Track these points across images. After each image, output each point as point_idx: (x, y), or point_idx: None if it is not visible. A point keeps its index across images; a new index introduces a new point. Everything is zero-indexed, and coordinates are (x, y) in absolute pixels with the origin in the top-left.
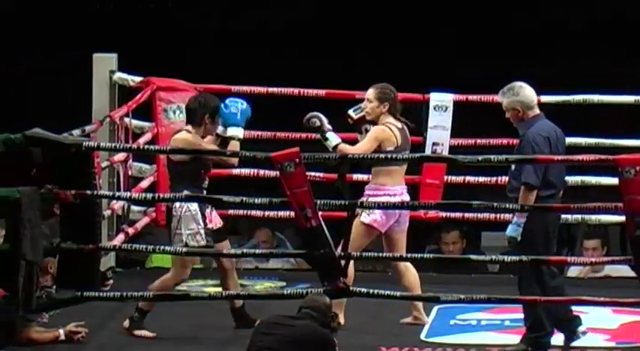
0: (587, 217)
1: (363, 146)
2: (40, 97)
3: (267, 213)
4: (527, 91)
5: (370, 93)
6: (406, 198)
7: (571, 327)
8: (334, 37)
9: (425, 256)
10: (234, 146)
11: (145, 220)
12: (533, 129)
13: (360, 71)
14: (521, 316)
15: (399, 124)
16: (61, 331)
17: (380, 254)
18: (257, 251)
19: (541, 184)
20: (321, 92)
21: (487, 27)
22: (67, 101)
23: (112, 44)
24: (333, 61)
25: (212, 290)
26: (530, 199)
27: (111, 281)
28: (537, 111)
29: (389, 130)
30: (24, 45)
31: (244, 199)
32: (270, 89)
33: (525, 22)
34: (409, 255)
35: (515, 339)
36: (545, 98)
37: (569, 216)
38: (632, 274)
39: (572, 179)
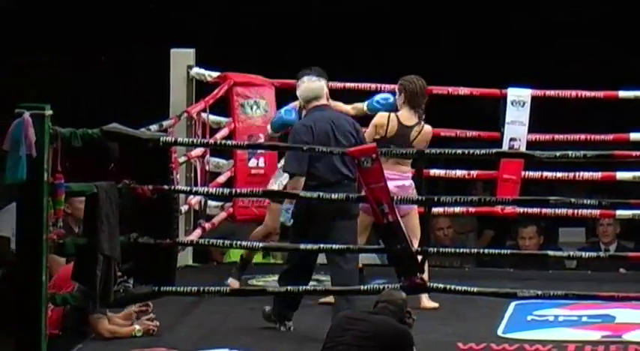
0: None
1: (367, 132)
2: (118, 92)
3: None
4: (306, 85)
5: None
6: (399, 183)
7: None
8: (334, 37)
9: (502, 251)
10: None
11: (222, 215)
12: (303, 119)
13: (359, 71)
14: (600, 312)
15: (408, 116)
16: (137, 326)
17: (457, 250)
18: (334, 246)
19: (310, 172)
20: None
21: (487, 27)
22: (145, 96)
23: (189, 39)
24: (333, 60)
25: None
26: (296, 187)
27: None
28: (317, 103)
29: (385, 119)
30: (102, 39)
31: (321, 194)
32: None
33: (525, 23)
34: (486, 250)
35: (593, 335)
36: (624, 93)
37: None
38: None
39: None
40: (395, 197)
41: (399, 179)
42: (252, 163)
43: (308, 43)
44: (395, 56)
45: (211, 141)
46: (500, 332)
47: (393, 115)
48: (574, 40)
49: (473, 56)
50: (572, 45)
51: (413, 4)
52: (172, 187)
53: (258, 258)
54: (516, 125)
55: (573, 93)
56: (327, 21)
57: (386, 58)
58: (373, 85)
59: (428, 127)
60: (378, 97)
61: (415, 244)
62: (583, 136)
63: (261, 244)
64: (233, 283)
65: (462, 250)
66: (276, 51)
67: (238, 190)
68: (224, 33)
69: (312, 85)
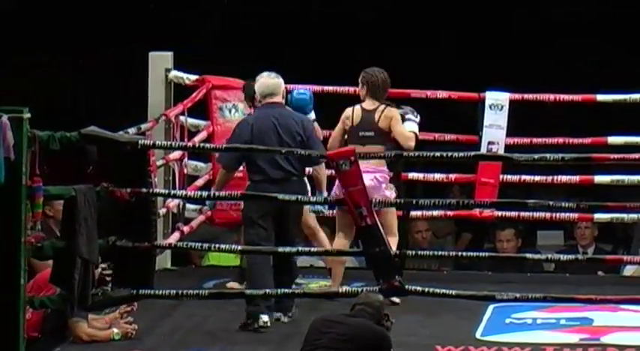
0: None
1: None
2: (95, 96)
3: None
4: (263, 80)
5: None
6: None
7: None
8: (335, 37)
9: (480, 254)
10: None
11: (201, 218)
12: (248, 115)
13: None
14: (578, 314)
15: (371, 107)
16: (115, 329)
17: (435, 253)
18: (312, 249)
19: (252, 168)
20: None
21: (487, 27)
22: (123, 99)
23: (167, 42)
24: (333, 60)
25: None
26: (224, 179)
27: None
28: (271, 100)
29: (350, 111)
30: (80, 43)
31: (300, 197)
32: (326, 88)
33: (525, 22)
34: (465, 253)
35: (571, 338)
36: (601, 97)
37: (624, 215)
38: None
39: (628, 178)
40: (373, 199)
41: (373, 172)
42: None
43: (308, 43)
44: (395, 56)
45: (190, 144)
46: (478, 335)
47: (357, 105)
48: (574, 40)
49: (473, 56)
50: (572, 45)
51: (413, 4)
52: (150, 190)
53: (235, 261)
54: (494, 129)
55: (551, 97)
56: (327, 21)
57: (386, 58)
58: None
59: (390, 109)
60: (294, 92)
61: (392, 242)
62: (561, 140)
63: (239, 247)
64: (234, 285)
65: (440, 253)
66: (275, 51)
67: (217, 194)
68: (224, 33)
69: (269, 81)
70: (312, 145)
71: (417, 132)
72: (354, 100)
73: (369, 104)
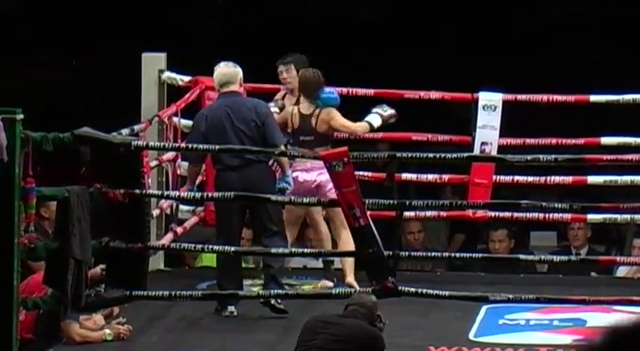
0: (636, 216)
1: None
2: (88, 97)
3: None
4: (219, 70)
5: None
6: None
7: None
8: (335, 37)
9: (474, 255)
10: None
11: (194, 219)
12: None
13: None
14: (571, 315)
15: (306, 111)
16: (107, 330)
17: (428, 254)
18: (306, 250)
19: (213, 159)
20: (370, 92)
21: (484, 27)
22: (116, 100)
23: (160, 43)
24: (334, 60)
25: (260, 289)
26: (192, 173)
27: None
28: (227, 89)
29: (289, 114)
30: (71, 44)
31: (293, 198)
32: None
33: (522, 23)
34: (458, 254)
35: (564, 339)
36: (594, 97)
37: (618, 216)
38: None
39: (621, 179)
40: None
41: (320, 168)
42: None
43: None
44: (392, 56)
45: (183, 145)
46: (471, 336)
47: (295, 108)
48: (574, 40)
49: (473, 56)
50: (572, 45)
51: (411, 4)
52: (144, 192)
53: None
54: (487, 129)
55: (545, 97)
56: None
57: (385, 58)
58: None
59: (325, 109)
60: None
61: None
62: (554, 141)
63: (232, 249)
64: (326, 283)
65: (433, 254)
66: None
67: (210, 194)
68: (223, 33)
69: (225, 70)
70: (267, 130)
71: (373, 123)
72: (352, 100)
73: (305, 107)
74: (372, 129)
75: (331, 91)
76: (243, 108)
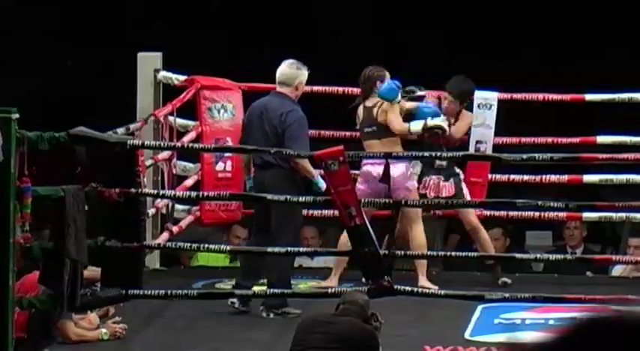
0: (632, 215)
1: None
2: (84, 96)
3: (311, 211)
4: (280, 67)
5: None
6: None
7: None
8: (335, 38)
9: (469, 254)
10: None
11: (189, 218)
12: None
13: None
14: (567, 315)
15: (369, 104)
16: (104, 330)
17: (425, 253)
18: (302, 249)
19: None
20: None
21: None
22: (112, 100)
23: (156, 42)
24: (322, 58)
25: (256, 289)
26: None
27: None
28: (278, 89)
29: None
30: (68, 43)
31: (288, 197)
32: (315, 87)
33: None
34: (453, 253)
35: None
36: (590, 96)
37: (613, 214)
38: None
39: (617, 177)
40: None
41: (375, 164)
42: (220, 166)
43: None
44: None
45: (178, 144)
46: (467, 335)
47: (363, 103)
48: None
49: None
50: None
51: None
52: (139, 191)
53: (224, 261)
54: (483, 128)
55: (540, 96)
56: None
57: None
58: (340, 89)
59: (385, 104)
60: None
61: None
62: (550, 139)
63: (228, 247)
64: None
65: (429, 252)
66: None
67: (205, 194)
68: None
69: (284, 69)
70: (286, 139)
71: (412, 127)
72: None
73: (366, 102)
74: (410, 133)
75: (390, 84)
76: (275, 112)
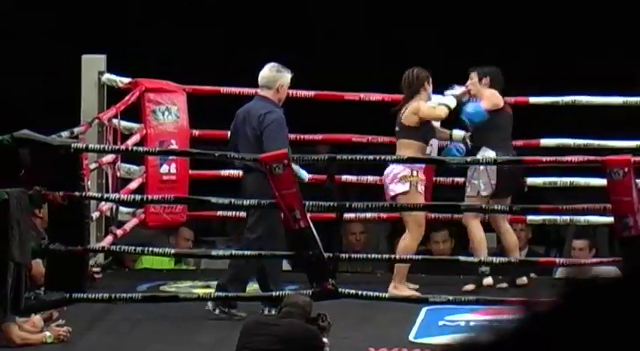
0: (575, 218)
1: None
2: (28, 99)
3: None
4: (262, 71)
5: None
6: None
7: None
8: (316, 38)
9: (414, 257)
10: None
11: (134, 221)
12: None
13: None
14: (510, 317)
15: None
16: (47, 333)
17: (368, 255)
18: (246, 253)
19: None
20: (311, 93)
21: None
22: (56, 103)
23: (100, 45)
24: (330, 61)
25: (201, 291)
26: None
27: (100, 275)
28: (260, 92)
29: None
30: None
31: (233, 200)
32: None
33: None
34: (397, 256)
35: None
36: (534, 99)
37: (557, 217)
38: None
39: (561, 180)
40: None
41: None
42: (164, 169)
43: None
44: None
45: (122, 147)
46: (411, 337)
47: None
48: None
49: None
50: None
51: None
52: (83, 194)
53: (169, 264)
54: None
55: None
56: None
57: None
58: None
59: (413, 103)
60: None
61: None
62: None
63: (172, 250)
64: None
65: (373, 255)
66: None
67: (150, 197)
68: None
69: (265, 72)
70: (264, 139)
71: (450, 104)
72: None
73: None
74: (450, 110)
75: (476, 107)
76: (254, 115)
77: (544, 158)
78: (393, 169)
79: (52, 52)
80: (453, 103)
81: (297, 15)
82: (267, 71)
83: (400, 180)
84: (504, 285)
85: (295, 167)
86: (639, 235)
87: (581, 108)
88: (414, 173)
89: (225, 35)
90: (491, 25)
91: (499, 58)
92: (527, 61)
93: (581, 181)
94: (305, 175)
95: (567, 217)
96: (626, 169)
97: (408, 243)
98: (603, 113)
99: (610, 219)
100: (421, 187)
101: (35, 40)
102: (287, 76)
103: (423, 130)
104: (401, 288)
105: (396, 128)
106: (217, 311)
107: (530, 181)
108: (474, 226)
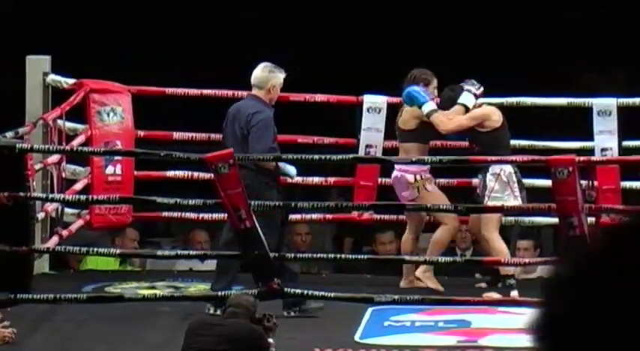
0: (520, 218)
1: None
2: None
3: (201, 215)
4: (254, 70)
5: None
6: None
7: None
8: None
9: (359, 257)
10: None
11: (79, 222)
12: None
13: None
14: (456, 317)
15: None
16: None
17: (315, 255)
18: (191, 253)
19: None
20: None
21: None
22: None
23: (45, 46)
24: (330, 61)
25: (146, 292)
26: None
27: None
28: (251, 92)
29: None
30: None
31: (178, 200)
32: (205, 91)
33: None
34: (343, 256)
35: (448, 340)
36: (479, 100)
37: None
38: None
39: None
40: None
41: (398, 170)
42: (109, 170)
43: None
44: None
45: (67, 148)
46: (357, 338)
47: None
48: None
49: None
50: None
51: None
52: (28, 194)
53: (114, 265)
54: (372, 132)
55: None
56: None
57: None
58: (230, 92)
59: (408, 108)
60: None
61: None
62: (439, 142)
63: (117, 251)
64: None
65: (319, 255)
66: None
67: (95, 197)
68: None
69: (258, 72)
70: (250, 139)
71: (468, 104)
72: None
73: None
74: (468, 110)
75: (415, 91)
76: (243, 114)
77: (489, 158)
78: (401, 176)
79: None
80: (471, 102)
81: (297, 15)
82: (260, 71)
83: (408, 188)
84: (483, 285)
85: (282, 165)
86: (584, 234)
87: (525, 109)
88: (418, 178)
89: (225, 35)
90: (492, 25)
91: (499, 58)
92: (488, 61)
93: (526, 181)
94: (293, 172)
95: (512, 218)
96: (570, 169)
97: (443, 234)
98: (547, 114)
99: (555, 219)
100: (430, 186)
101: (35, 40)
102: (280, 77)
103: (422, 131)
104: (431, 278)
105: (396, 132)
106: (291, 313)
107: (475, 181)
108: (496, 239)
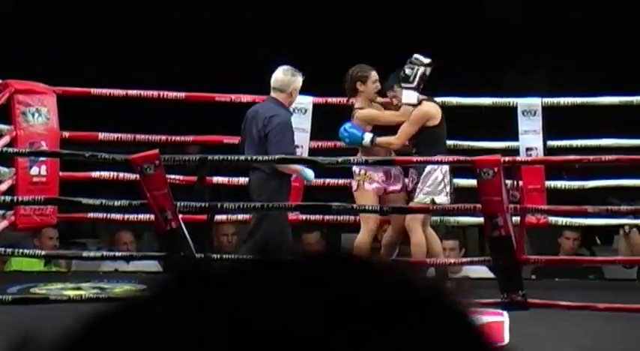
0: (445, 218)
1: None
2: None
3: (127, 216)
4: (275, 73)
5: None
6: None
7: None
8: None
9: None
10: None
11: (4, 223)
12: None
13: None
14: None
15: (357, 105)
16: None
17: (241, 256)
18: (117, 254)
19: None
20: (182, 95)
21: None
22: None
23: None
24: (330, 61)
25: (72, 293)
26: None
27: None
28: (272, 94)
29: None
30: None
31: (104, 201)
32: (130, 92)
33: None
34: None
35: None
36: (439, 99)
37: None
38: (490, 275)
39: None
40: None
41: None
42: (34, 170)
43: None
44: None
45: None
46: None
47: None
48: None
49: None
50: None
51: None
52: None
53: (39, 266)
54: (298, 132)
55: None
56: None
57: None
58: (155, 93)
59: (358, 111)
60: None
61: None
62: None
63: (43, 252)
64: None
65: (245, 256)
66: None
67: (20, 198)
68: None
69: (279, 75)
70: (267, 142)
71: (413, 102)
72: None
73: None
74: (415, 107)
75: (347, 133)
76: (261, 117)
77: (415, 158)
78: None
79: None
80: (414, 100)
81: (297, 15)
82: (282, 74)
83: (354, 178)
84: None
85: (299, 167)
86: (508, 234)
87: (450, 109)
88: (362, 172)
89: (225, 35)
90: (491, 25)
91: (499, 58)
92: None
93: (455, 180)
94: (311, 176)
95: (437, 218)
96: (495, 169)
97: (364, 236)
98: (473, 114)
99: (480, 219)
100: (368, 185)
101: (35, 40)
102: (300, 80)
103: (380, 133)
104: None
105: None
106: None
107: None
108: (418, 232)
